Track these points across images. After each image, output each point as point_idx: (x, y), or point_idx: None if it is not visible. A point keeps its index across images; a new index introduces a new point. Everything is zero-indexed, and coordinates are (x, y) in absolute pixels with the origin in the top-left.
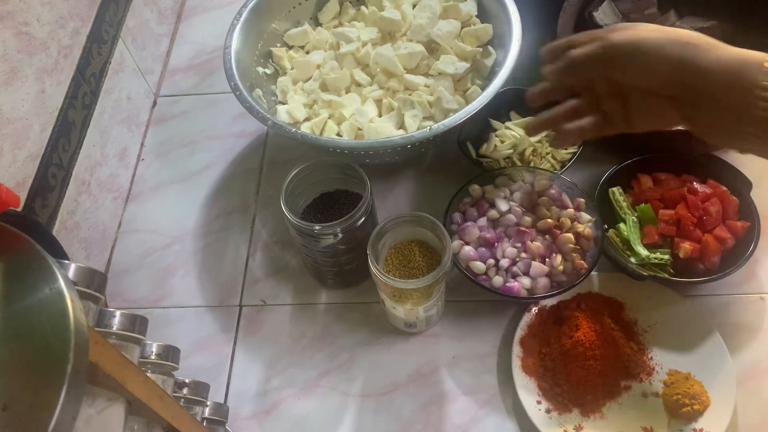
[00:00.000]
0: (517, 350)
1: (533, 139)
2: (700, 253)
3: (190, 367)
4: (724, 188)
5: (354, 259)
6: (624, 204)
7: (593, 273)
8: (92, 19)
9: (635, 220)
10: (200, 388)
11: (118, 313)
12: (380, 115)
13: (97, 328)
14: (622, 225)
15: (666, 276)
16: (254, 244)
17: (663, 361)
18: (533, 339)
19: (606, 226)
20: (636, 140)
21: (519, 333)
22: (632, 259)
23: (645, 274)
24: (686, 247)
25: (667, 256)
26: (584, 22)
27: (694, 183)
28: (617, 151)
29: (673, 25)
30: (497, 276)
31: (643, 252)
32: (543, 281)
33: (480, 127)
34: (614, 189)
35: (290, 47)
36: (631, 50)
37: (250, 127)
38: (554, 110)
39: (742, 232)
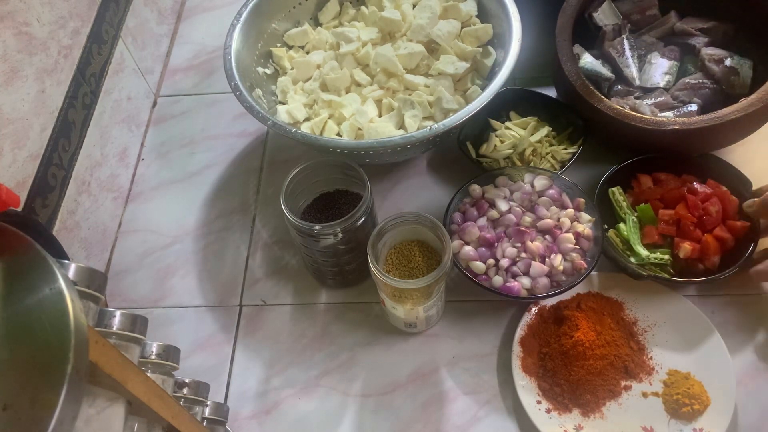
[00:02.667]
0: (517, 350)
1: (533, 138)
2: (700, 253)
3: (190, 367)
4: (724, 188)
5: (354, 259)
6: (624, 204)
7: (593, 273)
8: (92, 19)
9: (635, 220)
10: (200, 388)
11: (118, 313)
12: (380, 115)
13: (97, 328)
14: (622, 225)
15: (666, 276)
16: (254, 244)
17: (663, 361)
18: (533, 339)
19: (606, 226)
20: (635, 140)
21: (519, 333)
22: (632, 259)
23: (645, 274)
24: (686, 247)
25: (667, 256)
26: (584, 22)
27: (694, 183)
28: (617, 151)
29: (673, 26)
30: (497, 276)
31: (643, 252)
32: (543, 281)
33: (480, 127)
34: (614, 189)
35: (290, 47)
36: None
37: (250, 127)
38: None
39: (742, 233)
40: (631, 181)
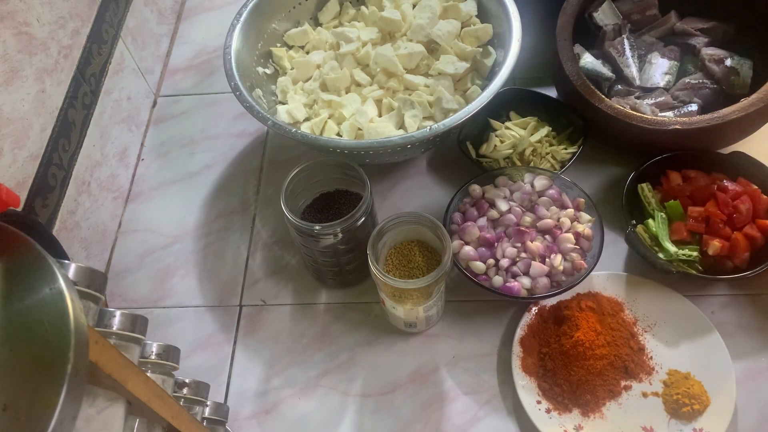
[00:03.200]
0: (517, 350)
1: (533, 138)
2: (729, 251)
3: (190, 367)
4: (755, 186)
5: (354, 259)
6: (653, 200)
7: (593, 273)
8: (92, 19)
9: (664, 216)
10: (200, 388)
11: (118, 313)
12: (380, 115)
13: (97, 328)
14: (650, 221)
15: (695, 272)
16: (254, 244)
17: (663, 361)
18: (533, 339)
19: (634, 221)
20: (635, 140)
21: (519, 333)
22: (661, 255)
23: (674, 270)
24: (716, 244)
25: (695, 253)
26: (584, 22)
27: (725, 181)
28: (617, 150)
29: (673, 26)
30: (497, 276)
31: (672, 248)
32: (543, 281)
33: (480, 127)
34: (643, 185)
35: (290, 47)
36: None
37: (250, 127)
38: None
39: None
40: (660, 177)
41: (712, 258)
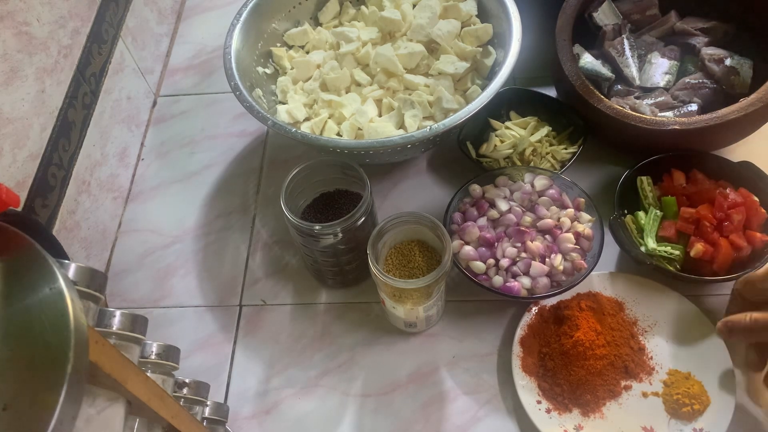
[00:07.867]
0: (517, 350)
1: (533, 138)
2: (711, 255)
3: (190, 367)
4: (755, 198)
5: (354, 259)
6: (650, 195)
7: (593, 273)
8: (92, 19)
9: (658, 213)
10: (200, 388)
11: (118, 312)
12: (380, 115)
13: (97, 328)
14: (641, 213)
15: (670, 269)
16: (254, 244)
17: (663, 361)
18: (533, 339)
19: (625, 211)
20: (635, 140)
21: (519, 333)
22: (642, 249)
23: (648, 262)
24: (699, 247)
25: (678, 252)
26: (584, 22)
27: (728, 189)
28: (617, 150)
29: (673, 26)
30: (497, 276)
31: (654, 244)
32: (543, 281)
33: (480, 127)
34: (643, 178)
35: (290, 47)
36: None
37: (250, 127)
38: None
39: (760, 245)
40: (661, 175)
41: (694, 260)
